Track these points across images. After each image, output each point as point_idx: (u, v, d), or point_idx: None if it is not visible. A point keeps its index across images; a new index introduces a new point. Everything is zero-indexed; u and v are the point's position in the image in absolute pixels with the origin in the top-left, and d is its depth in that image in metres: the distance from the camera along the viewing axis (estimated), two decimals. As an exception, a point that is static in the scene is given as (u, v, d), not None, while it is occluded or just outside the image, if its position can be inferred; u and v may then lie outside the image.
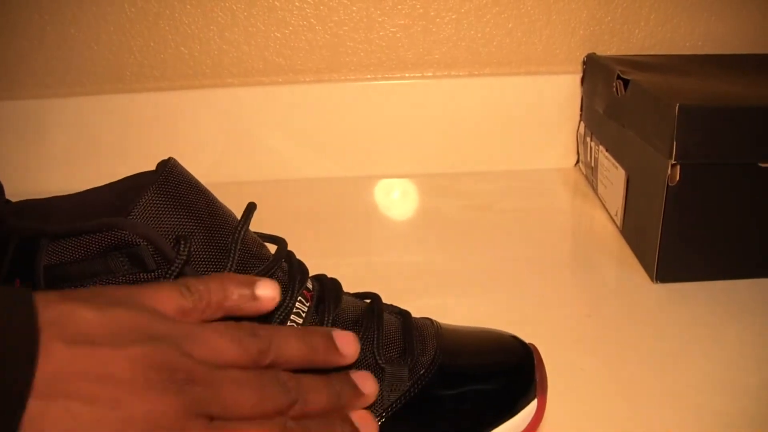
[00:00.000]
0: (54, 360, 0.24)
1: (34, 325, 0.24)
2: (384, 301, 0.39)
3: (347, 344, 0.32)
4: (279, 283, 0.35)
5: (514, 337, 0.39)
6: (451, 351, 0.37)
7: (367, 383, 0.32)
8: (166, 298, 0.28)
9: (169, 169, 0.34)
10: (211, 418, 0.26)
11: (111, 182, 0.37)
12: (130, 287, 0.29)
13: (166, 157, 0.36)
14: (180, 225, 0.33)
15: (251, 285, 0.30)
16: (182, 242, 0.32)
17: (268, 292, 0.30)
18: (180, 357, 0.26)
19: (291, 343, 0.30)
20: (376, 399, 0.34)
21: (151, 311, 0.27)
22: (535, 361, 0.37)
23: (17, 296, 0.25)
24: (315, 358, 0.30)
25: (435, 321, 0.39)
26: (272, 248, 0.37)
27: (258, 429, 0.27)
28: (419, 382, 0.35)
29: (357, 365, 0.34)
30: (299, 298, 0.35)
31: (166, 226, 0.33)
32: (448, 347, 0.37)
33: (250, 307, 0.30)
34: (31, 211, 0.36)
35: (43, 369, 0.23)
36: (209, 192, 0.36)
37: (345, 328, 0.36)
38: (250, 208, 0.37)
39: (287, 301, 0.34)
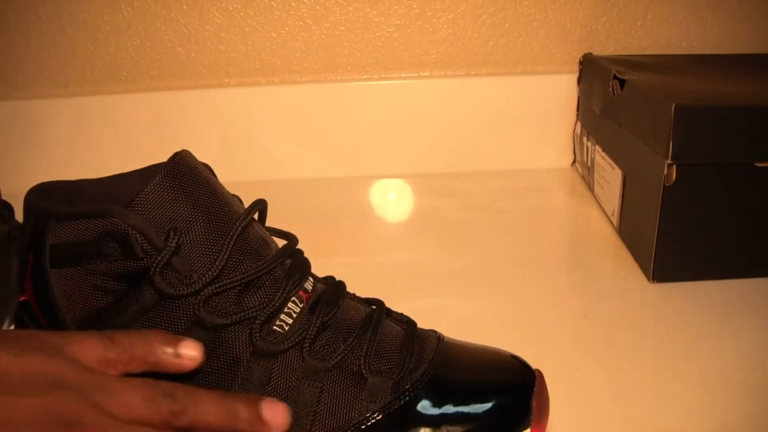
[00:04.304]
0: None
1: None
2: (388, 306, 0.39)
3: (275, 415, 0.30)
4: (274, 280, 0.35)
5: (517, 359, 0.37)
6: (444, 368, 0.35)
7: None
8: (89, 347, 0.29)
9: (176, 161, 0.35)
10: None
11: (140, 168, 0.39)
12: (55, 334, 0.29)
13: (162, 157, 0.36)
14: (179, 215, 0.33)
15: (175, 344, 0.30)
16: (172, 233, 0.33)
17: (190, 352, 0.30)
18: (86, 408, 0.26)
19: (210, 408, 0.29)
20: (353, 408, 0.33)
21: (70, 360, 0.28)
22: (536, 388, 0.35)
23: None
24: (236, 426, 0.29)
25: (440, 334, 0.38)
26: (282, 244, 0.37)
27: None
28: (403, 397, 0.34)
29: (342, 371, 0.34)
30: (293, 298, 0.35)
31: (165, 216, 0.33)
32: (442, 364, 0.35)
33: (173, 365, 0.30)
34: (56, 192, 0.37)
35: None
36: (219, 186, 0.37)
37: (338, 332, 0.35)
38: (255, 204, 0.36)
39: (275, 300, 0.34)
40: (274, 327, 0.34)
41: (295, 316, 0.35)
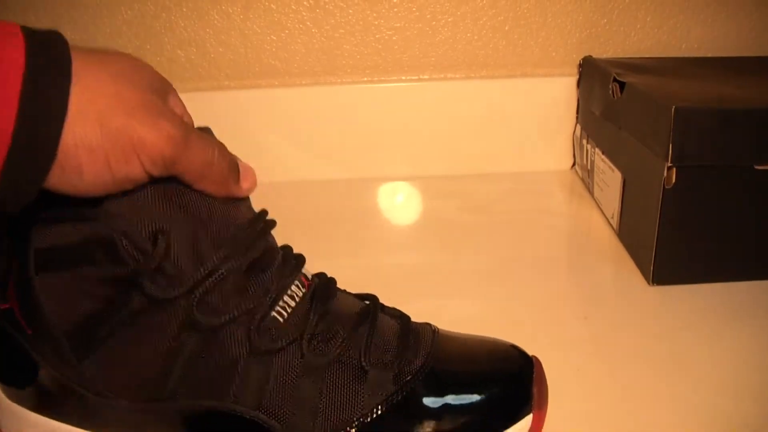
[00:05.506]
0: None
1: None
2: (382, 302, 0.39)
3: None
4: (269, 274, 0.34)
5: (515, 347, 0.38)
6: (443, 359, 0.35)
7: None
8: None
9: None
10: None
11: None
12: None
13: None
14: (168, 215, 0.32)
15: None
16: (159, 237, 0.31)
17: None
18: None
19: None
20: (356, 402, 0.33)
21: None
22: (535, 374, 0.36)
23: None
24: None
25: (435, 327, 0.38)
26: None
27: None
28: (404, 389, 0.34)
29: (342, 366, 0.34)
30: (296, 282, 0.35)
31: (154, 217, 0.32)
32: (441, 355, 0.36)
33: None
34: (42, 194, 0.36)
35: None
36: None
37: (335, 326, 0.35)
38: (260, 216, 0.36)
39: (271, 291, 0.33)
40: (273, 313, 0.34)
41: (298, 299, 0.34)
